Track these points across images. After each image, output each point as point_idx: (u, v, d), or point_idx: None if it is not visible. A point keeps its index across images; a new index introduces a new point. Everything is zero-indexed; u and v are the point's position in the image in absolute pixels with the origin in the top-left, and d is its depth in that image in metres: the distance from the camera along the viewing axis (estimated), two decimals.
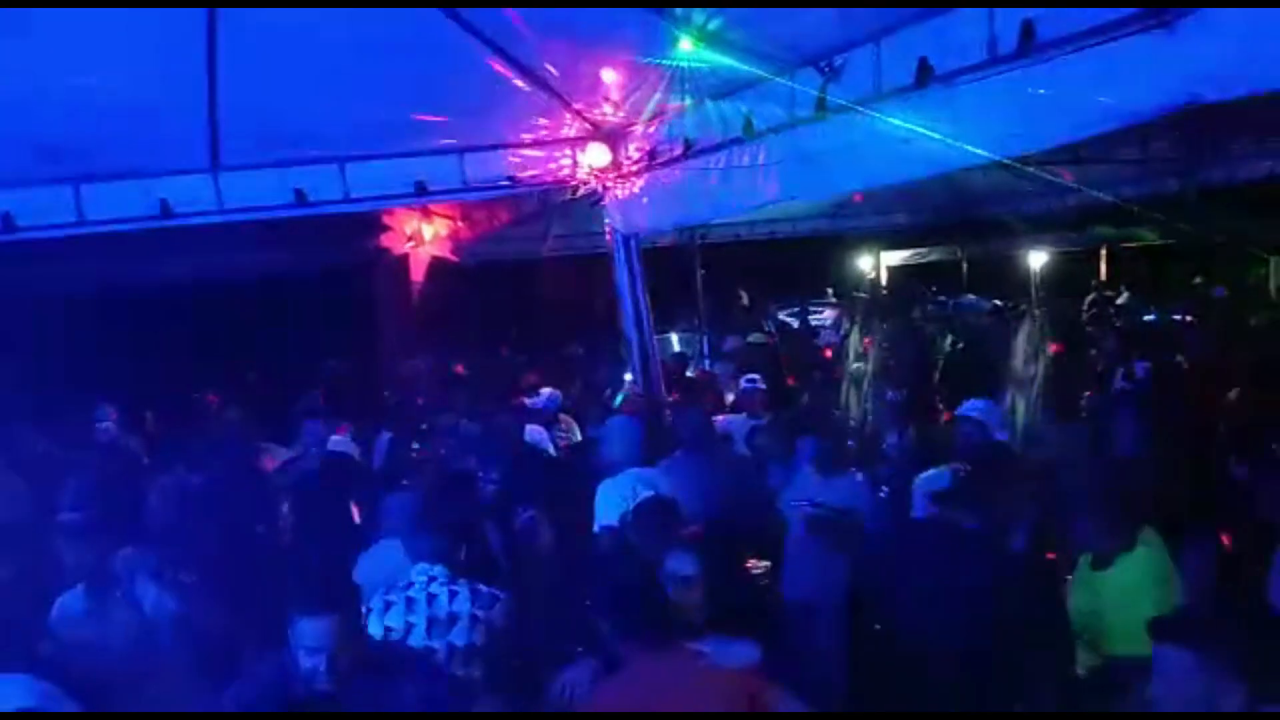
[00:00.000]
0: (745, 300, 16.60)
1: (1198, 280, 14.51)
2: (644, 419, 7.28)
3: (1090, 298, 16.28)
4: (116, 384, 9.49)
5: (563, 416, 8.78)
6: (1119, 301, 15.97)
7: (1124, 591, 3.95)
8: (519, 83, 6.71)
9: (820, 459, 5.99)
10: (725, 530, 5.36)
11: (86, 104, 6.10)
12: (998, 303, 16.04)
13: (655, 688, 3.33)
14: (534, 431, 7.52)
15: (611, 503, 5.26)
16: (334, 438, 7.36)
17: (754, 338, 13.45)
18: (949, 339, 11.98)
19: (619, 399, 8.70)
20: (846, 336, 12.91)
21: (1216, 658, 2.67)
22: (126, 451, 7.87)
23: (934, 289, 17.90)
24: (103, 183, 7.38)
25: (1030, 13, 4.10)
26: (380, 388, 11.02)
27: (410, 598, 4.19)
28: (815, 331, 15.28)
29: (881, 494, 5.98)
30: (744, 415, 8.01)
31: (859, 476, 5.96)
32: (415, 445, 7.74)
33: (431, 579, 4.25)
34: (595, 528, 5.33)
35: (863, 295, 16.57)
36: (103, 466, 6.92)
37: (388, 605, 4.18)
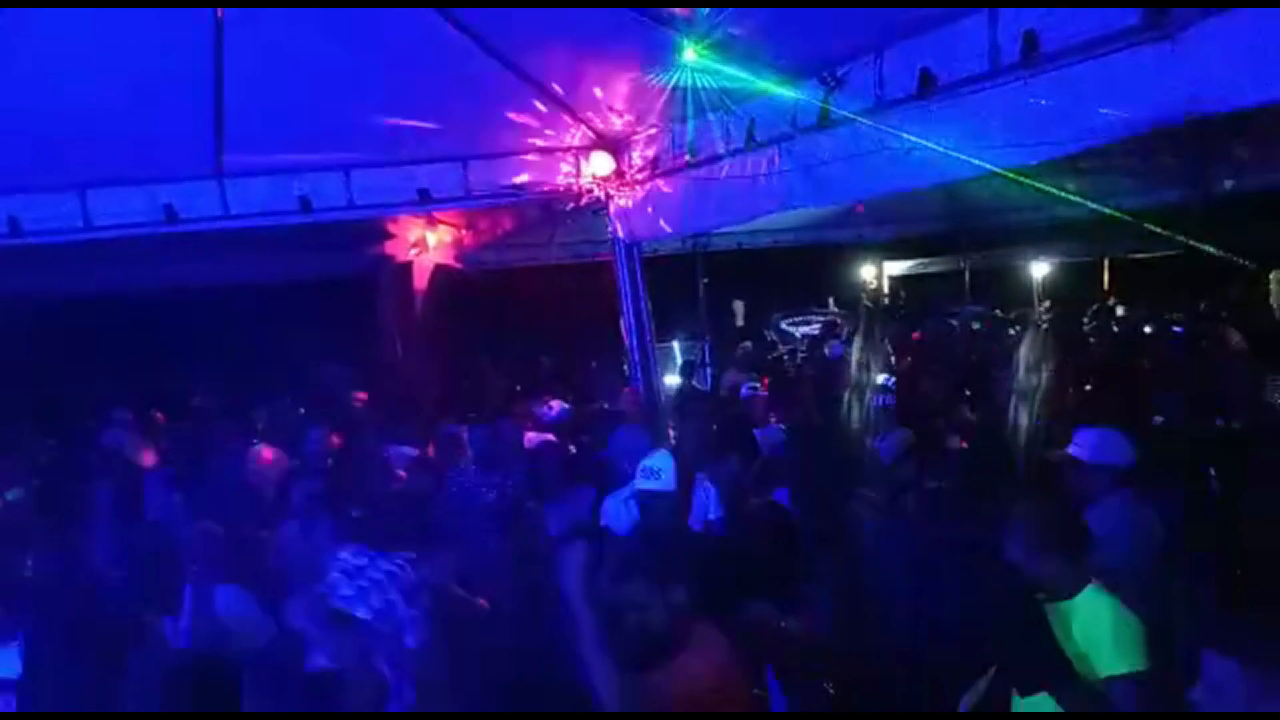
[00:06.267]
0: (740, 317, 16.57)
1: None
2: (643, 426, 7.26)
3: (1093, 308, 16.22)
4: (122, 387, 9.52)
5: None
6: (1119, 313, 15.89)
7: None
8: (524, 91, 6.75)
9: None
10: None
11: (93, 109, 6.13)
12: (998, 312, 15.99)
13: None
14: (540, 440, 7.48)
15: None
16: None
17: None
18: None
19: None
20: (849, 344, 12.84)
21: (1259, 661, 2.65)
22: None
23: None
24: (108, 188, 7.43)
25: (1033, 23, 4.12)
26: (383, 393, 11.00)
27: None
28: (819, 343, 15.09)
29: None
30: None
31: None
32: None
33: None
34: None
35: (866, 304, 16.53)
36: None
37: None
